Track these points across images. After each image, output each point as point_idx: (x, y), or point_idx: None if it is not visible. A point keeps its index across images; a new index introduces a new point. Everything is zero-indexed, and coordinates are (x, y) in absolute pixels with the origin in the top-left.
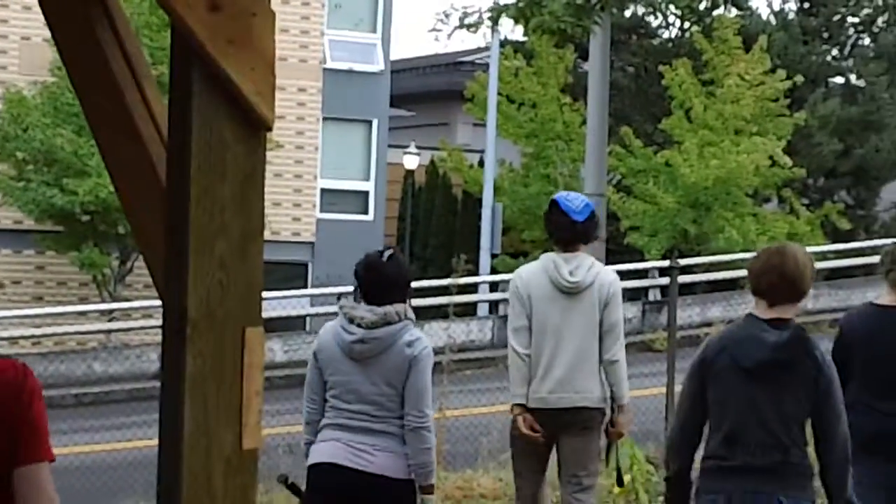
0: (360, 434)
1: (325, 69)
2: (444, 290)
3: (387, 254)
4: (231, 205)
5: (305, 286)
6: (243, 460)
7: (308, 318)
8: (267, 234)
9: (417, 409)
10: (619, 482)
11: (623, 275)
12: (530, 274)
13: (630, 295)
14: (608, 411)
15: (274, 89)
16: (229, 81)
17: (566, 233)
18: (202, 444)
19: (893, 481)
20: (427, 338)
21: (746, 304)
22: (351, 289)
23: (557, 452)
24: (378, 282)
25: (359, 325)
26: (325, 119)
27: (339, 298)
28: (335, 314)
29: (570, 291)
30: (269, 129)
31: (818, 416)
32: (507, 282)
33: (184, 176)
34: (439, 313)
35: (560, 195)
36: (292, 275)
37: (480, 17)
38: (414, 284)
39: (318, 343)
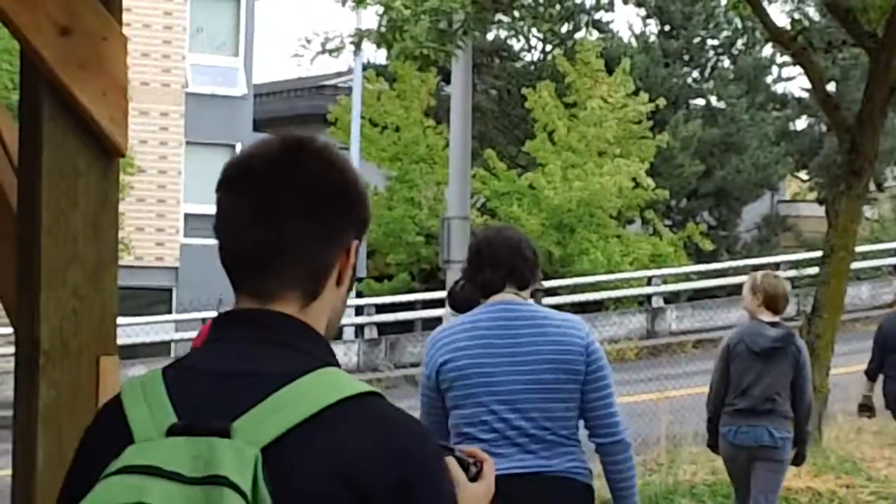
0: None
1: (187, 93)
2: None
3: (460, 284)
4: (84, 232)
5: (170, 311)
6: None
7: (173, 344)
8: (130, 260)
9: None
10: None
11: None
12: None
13: None
14: None
15: (127, 114)
16: (81, 107)
17: None
18: (57, 476)
19: None
20: None
21: (611, 326)
22: (215, 314)
23: None
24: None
25: None
26: (187, 143)
27: (203, 323)
28: None
29: None
30: (122, 155)
31: (794, 382)
32: (372, 306)
33: (35, 204)
34: None
35: None
36: (156, 300)
37: (342, 41)
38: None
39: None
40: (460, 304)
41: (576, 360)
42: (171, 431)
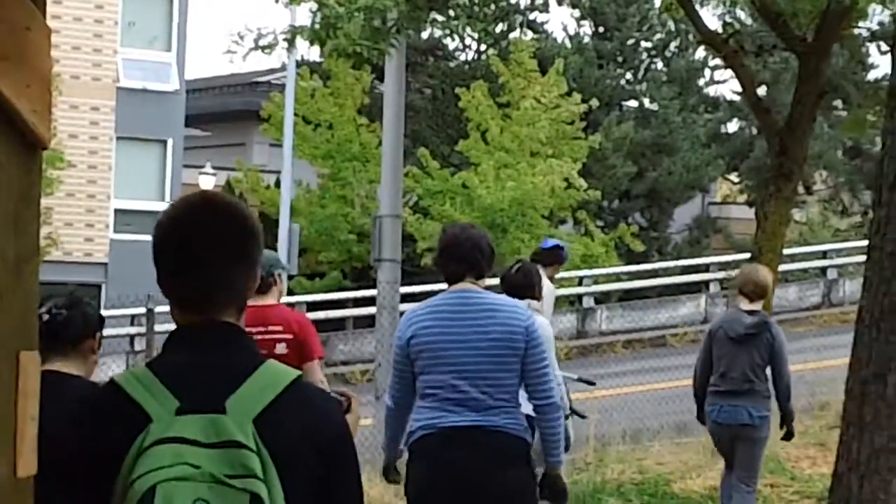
0: None
1: (118, 88)
2: None
3: (515, 267)
4: (5, 226)
5: (98, 307)
6: (17, 489)
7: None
8: (59, 255)
9: None
10: None
11: (419, 296)
12: None
13: None
14: None
15: (51, 107)
16: (3, 99)
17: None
18: None
19: None
20: None
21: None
22: (143, 310)
23: None
24: (514, 284)
25: None
26: (118, 138)
27: (132, 320)
28: (128, 336)
29: None
30: (45, 148)
31: (772, 363)
32: (303, 303)
33: None
34: None
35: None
36: (85, 296)
37: (275, 38)
38: None
39: None
40: (514, 288)
41: (517, 339)
42: (179, 412)
